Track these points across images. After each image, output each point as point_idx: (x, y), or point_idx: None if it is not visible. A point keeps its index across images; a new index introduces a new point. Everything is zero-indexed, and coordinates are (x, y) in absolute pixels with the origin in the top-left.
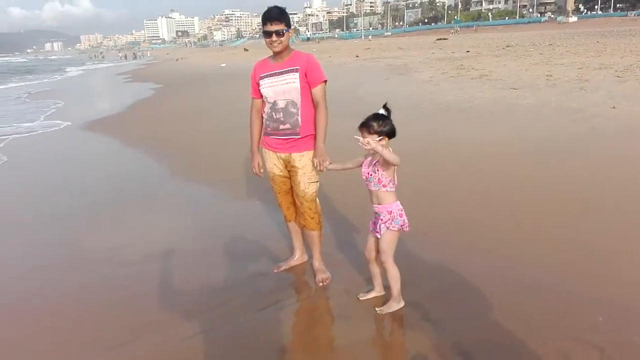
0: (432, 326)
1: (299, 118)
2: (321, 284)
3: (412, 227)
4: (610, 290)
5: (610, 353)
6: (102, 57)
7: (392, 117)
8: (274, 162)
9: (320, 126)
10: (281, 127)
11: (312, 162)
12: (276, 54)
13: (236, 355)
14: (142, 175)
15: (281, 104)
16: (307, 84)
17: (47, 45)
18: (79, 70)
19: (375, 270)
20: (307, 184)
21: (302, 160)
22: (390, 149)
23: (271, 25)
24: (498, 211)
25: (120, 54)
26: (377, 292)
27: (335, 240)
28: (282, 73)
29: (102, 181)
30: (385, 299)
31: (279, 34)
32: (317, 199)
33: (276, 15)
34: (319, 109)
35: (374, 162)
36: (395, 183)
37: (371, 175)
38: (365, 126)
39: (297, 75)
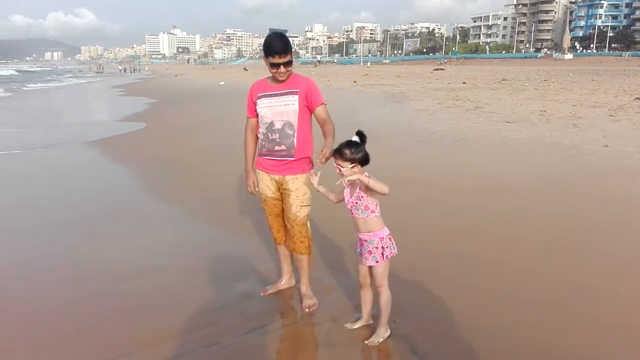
0: (419, 359)
1: (295, 140)
2: (307, 310)
3: (402, 258)
4: (597, 331)
5: None
6: (102, 69)
7: (388, 143)
8: (266, 184)
9: (329, 132)
10: (276, 148)
11: (315, 157)
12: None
13: None
14: (132, 191)
15: (278, 125)
16: (307, 107)
17: (47, 55)
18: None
19: (367, 297)
20: (299, 207)
21: (296, 183)
22: (367, 174)
23: (280, 58)
24: (489, 245)
25: (120, 67)
26: (365, 321)
27: (323, 266)
28: (281, 94)
29: (93, 195)
30: (372, 329)
31: (287, 65)
32: (307, 223)
33: (284, 48)
34: (326, 123)
35: (357, 190)
36: (379, 208)
37: (357, 203)
38: (338, 153)
39: (296, 97)
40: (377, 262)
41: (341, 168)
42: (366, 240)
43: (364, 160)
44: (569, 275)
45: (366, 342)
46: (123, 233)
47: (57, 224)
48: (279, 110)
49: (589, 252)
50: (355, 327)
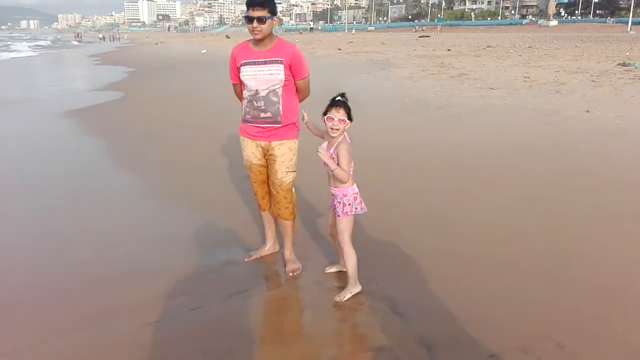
0: (400, 319)
1: (280, 107)
2: (291, 274)
3: (385, 223)
4: (580, 293)
5: (571, 349)
6: (80, 37)
7: (372, 110)
8: (252, 151)
9: (300, 99)
10: (262, 115)
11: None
12: (258, 41)
13: (202, 341)
14: (116, 160)
15: (263, 93)
16: (291, 75)
17: (23, 23)
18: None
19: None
20: (285, 173)
21: (282, 148)
22: (348, 143)
23: (253, 10)
24: (474, 211)
25: (100, 35)
26: (342, 266)
27: (307, 232)
28: (265, 63)
29: (72, 166)
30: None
31: (260, 20)
32: (292, 189)
33: (260, 1)
34: (301, 92)
35: (330, 151)
36: (352, 167)
37: (333, 160)
38: (343, 105)
39: (282, 67)
40: (338, 215)
41: (333, 118)
42: (332, 194)
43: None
44: (552, 239)
45: (335, 298)
46: (104, 204)
47: (37, 195)
48: (264, 78)
49: (572, 215)
50: (332, 270)
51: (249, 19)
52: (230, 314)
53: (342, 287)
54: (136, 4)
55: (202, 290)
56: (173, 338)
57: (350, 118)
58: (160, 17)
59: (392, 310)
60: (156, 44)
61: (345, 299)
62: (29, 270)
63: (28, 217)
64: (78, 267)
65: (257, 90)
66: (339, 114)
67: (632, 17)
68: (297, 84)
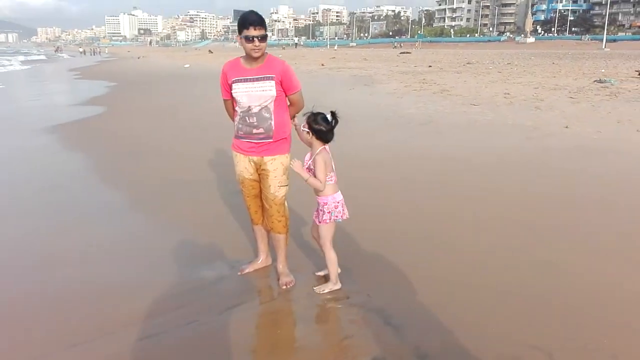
0: (393, 330)
1: (273, 123)
2: (285, 287)
3: (375, 238)
4: (566, 304)
5: (559, 357)
6: (60, 51)
7: (355, 126)
8: (244, 166)
9: (293, 112)
10: (254, 131)
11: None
12: (251, 58)
13: (195, 355)
14: (97, 177)
15: (255, 109)
16: (283, 91)
17: (1, 36)
18: None
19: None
20: (278, 187)
21: (274, 163)
22: (326, 154)
23: (255, 29)
24: (462, 224)
25: (80, 49)
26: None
27: (300, 245)
28: (257, 79)
29: (58, 181)
30: (344, 291)
31: (262, 39)
32: (285, 203)
33: (259, 20)
34: (294, 106)
35: (309, 161)
36: (334, 178)
37: (310, 171)
38: (307, 116)
39: (273, 83)
40: (319, 222)
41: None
42: (318, 202)
43: (321, 135)
44: (536, 251)
45: (314, 288)
46: (92, 220)
47: (19, 212)
48: (257, 95)
49: (555, 228)
50: (321, 274)
51: (250, 38)
52: (224, 328)
53: (337, 291)
54: (117, 18)
55: (196, 304)
56: (167, 352)
57: (316, 132)
58: (142, 32)
59: (385, 322)
60: (138, 58)
61: (324, 292)
62: (18, 288)
63: (11, 235)
64: (67, 283)
65: (249, 107)
66: (306, 125)
67: (606, 34)
68: (290, 98)
